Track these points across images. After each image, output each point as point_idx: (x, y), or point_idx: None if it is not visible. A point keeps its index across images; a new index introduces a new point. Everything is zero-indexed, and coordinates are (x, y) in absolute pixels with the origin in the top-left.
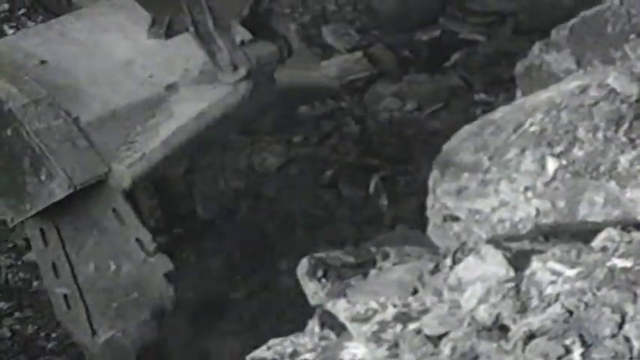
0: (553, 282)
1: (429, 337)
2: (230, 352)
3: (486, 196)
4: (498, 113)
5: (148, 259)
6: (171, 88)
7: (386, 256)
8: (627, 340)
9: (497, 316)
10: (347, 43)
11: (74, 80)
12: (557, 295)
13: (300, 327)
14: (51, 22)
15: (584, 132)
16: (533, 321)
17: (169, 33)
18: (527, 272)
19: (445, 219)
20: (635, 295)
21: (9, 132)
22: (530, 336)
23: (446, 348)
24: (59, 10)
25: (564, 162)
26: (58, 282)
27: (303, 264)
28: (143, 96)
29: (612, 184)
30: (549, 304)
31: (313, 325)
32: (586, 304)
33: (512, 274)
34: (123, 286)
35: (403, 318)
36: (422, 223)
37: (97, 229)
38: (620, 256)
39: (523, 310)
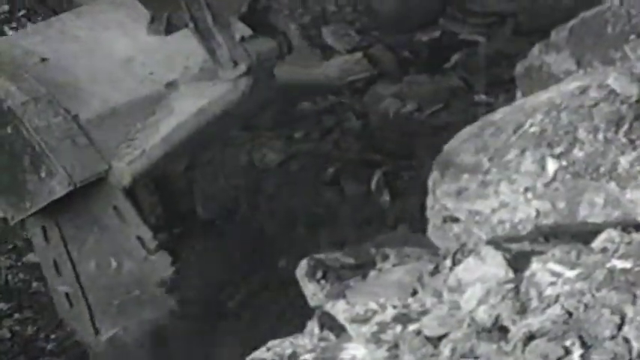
0: (553, 283)
1: (428, 338)
2: (229, 353)
3: (486, 197)
4: (498, 114)
5: (148, 257)
6: (171, 85)
7: (385, 258)
8: (627, 341)
9: (497, 317)
10: (347, 44)
11: (74, 78)
12: (557, 296)
13: (299, 328)
14: (51, 20)
15: (584, 133)
16: (533, 322)
17: (169, 29)
18: (527, 273)
19: (445, 220)
20: (634, 296)
21: (9, 130)
22: (530, 337)
23: (445, 349)
24: (60, 8)
25: (564, 163)
26: (60, 280)
27: (303, 265)
28: (143, 93)
29: (612, 185)
30: (549, 305)
31: (313, 326)
32: (586, 306)
33: (511, 275)
34: (124, 284)
35: (403, 319)
36: (424, 220)
37: (97, 227)
38: (620, 257)
39: (523, 311)
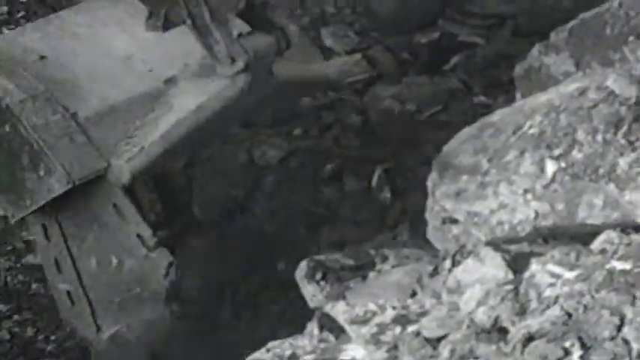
0: (552, 284)
1: (427, 340)
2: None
3: (485, 199)
4: (497, 116)
5: (149, 255)
6: (170, 81)
7: (385, 259)
8: (626, 342)
9: (496, 319)
10: (346, 45)
11: (73, 75)
12: (556, 298)
13: (299, 329)
14: (50, 17)
15: (583, 134)
16: (532, 323)
17: (166, 26)
18: (526, 275)
19: (444, 221)
20: (634, 297)
21: (7, 128)
22: (529, 338)
23: (445, 350)
24: (59, 6)
25: (563, 164)
26: (61, 278)
27: (302, 266)
28: (142, 90)
29: (611, 186)
30: (548, 307)
31: (312, 327)
32: (585, 307)
33: (511, 276)
34: (125, 282)
35: (402, 320)
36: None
37: (97, 225)
38: (619, 259)
39: (522, 312)
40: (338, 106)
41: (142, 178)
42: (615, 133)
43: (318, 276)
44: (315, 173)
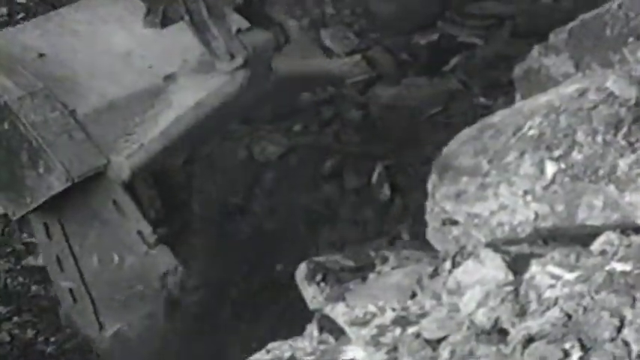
0: (552, 286)
1: (427, 341)
2: (229, 353)
3: (485, 200)
4: (497, 117)
5: (149, 252)
6: (169, 78)
7: (385, 260)
8: (626, 343)
9: (496, 320)
10: (345, 47)
11: (72, 72)
12: (556, 299)
13: (299, 330)
14: (50, 14)
15: (583, 135)
16: (532, 325)
17: (164, 22)
18: (526, 276)
19: (444, 223)
20: (634, 299)
21: (6, 126)
22: (529, 340)
23: (445, 352)
24: (59, 3)
25: (563, 165)
26: (63, 276)
27: (302, 268)
28: (141, 87)
29: (611, 187)
30: (548, 308)
31: (312, 329)
32: (585, 308)
33: (511, 277)
34: (127, 279)
35: (402, 322)
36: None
37: (98, 222)
38: (619, 260)
39: (522, 313)
40: (338, 101)
41: (141, 175)
42: (615, 135)
43: (318, 277)
44: (314, 170)
